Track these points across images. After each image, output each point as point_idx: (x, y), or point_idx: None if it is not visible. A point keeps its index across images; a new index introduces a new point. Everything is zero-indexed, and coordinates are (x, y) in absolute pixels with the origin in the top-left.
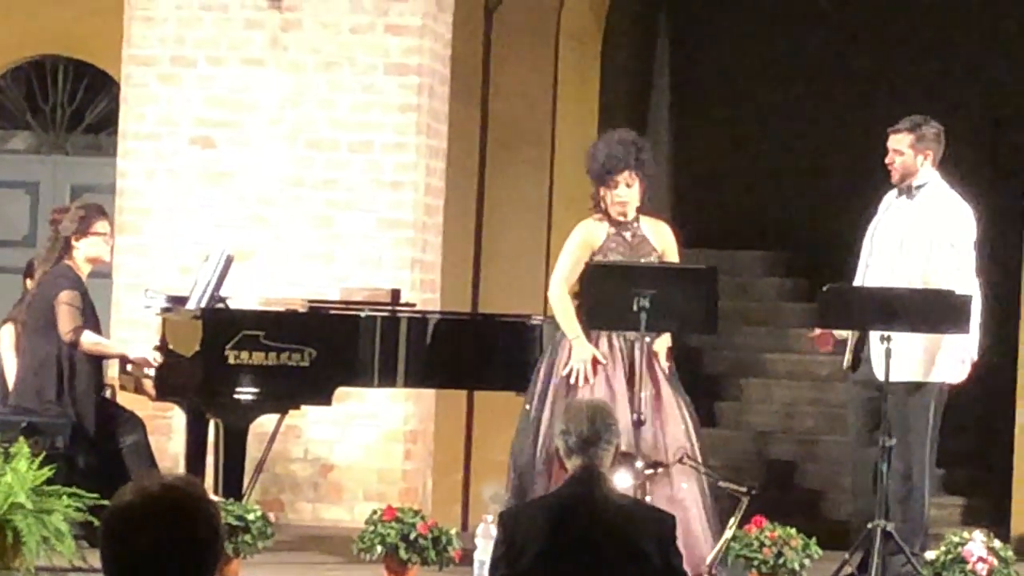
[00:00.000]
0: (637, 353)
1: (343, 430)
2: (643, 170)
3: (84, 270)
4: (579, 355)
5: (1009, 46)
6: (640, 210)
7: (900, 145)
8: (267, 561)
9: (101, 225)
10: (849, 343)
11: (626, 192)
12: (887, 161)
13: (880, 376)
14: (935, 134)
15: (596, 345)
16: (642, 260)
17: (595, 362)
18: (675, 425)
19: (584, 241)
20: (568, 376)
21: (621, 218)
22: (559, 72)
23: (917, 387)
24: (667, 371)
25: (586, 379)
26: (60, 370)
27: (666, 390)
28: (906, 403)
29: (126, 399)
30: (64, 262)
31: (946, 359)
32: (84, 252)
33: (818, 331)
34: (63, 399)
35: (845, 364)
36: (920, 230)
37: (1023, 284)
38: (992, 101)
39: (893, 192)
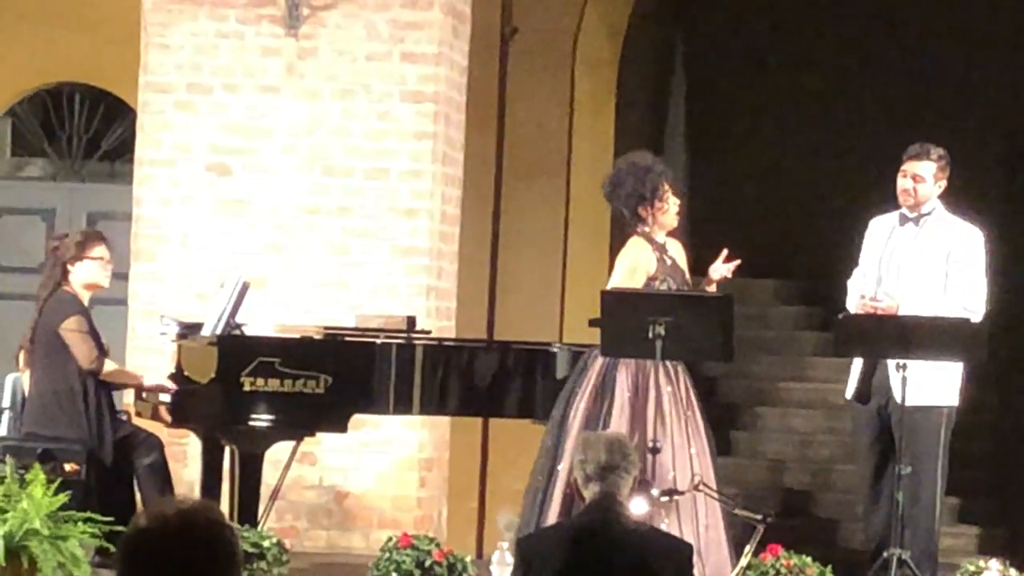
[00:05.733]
0: (679, 379)
1: (358, 457)
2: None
3: (83, 296)
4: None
5: None
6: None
7: (924, 172)
8: None
9: (98, 250)
10: (853, 372)
11: (677, 206)
12: (903, 188)
13: (899, 402)
14: (948, 162)
15: (645, 370)
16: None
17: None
18: (703, 453)
19: (639, 267)
20: (598, 400)
21: (659, 238)
22: (575, 100)
23: (928, 412)
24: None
25: None
26: (72, 396)
27: (700, 417)
28: (918, 428)
29: (142, 425)
30: (63, 288)
31: (951, 382)
32: (80, 277)
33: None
34: (77, 424)
35: (848, 394)
36: (935, 259)
37: None
38: (1009, 129)
39: (886, 219)
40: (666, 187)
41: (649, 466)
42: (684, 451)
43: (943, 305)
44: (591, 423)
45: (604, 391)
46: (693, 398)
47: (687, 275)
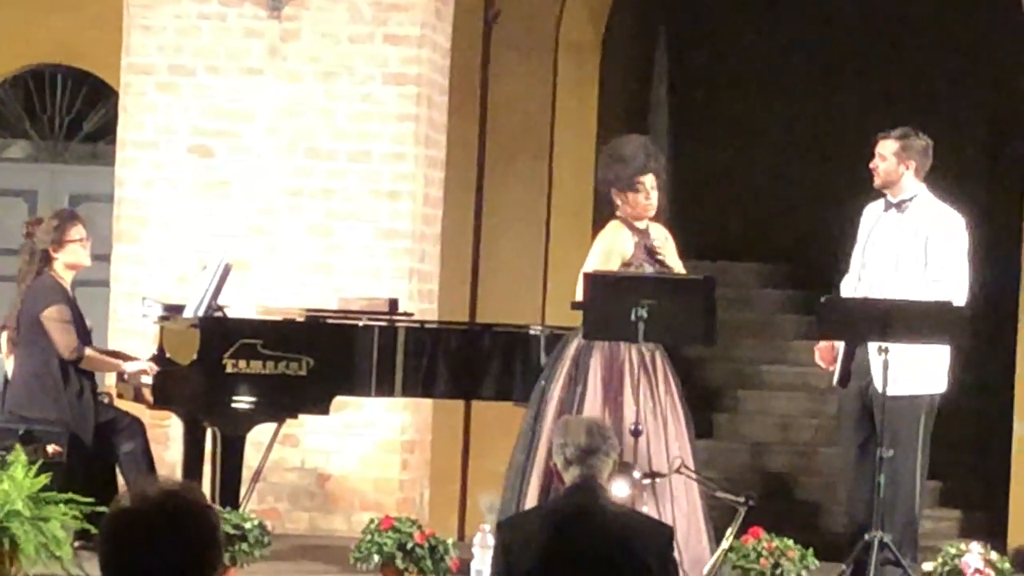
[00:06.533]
0: (655, 362)
1: (340, 440)
2: (663, 175)
3: (67, 277)
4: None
5: (1012, 59)
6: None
7: (885, 151)
8: (264, 570)
9: (75, 231)
10: (839, 357)
11: (655, 195)
12: (871, 165)
13: (878, 388)
14: (923, 147)
15: (618, 354)
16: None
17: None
18: (681, 436)
19: (614, 250)
20: (571, 385)
21: (640, 224)
22: (558, 83)
23: (909, 399)
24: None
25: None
26: (54, 379)
27: (679, 400)
28: (899, 414)
29: (124, 407)
30: (46, 273)
31: (934, 370)
32: (63, 261)
33: (822, 344)
34: (59, 406)
35: (835, 379)
36: (914, 245)
37: (1020, 297)
38: (993, 115)
39: (878, 204)
40: (641, 179)
41: (630, 449)
42: (660, 436)
43: (921, 289)
44: (566, 407)
45: (578, 375)
46: (672, 382)
47: (672, 260)
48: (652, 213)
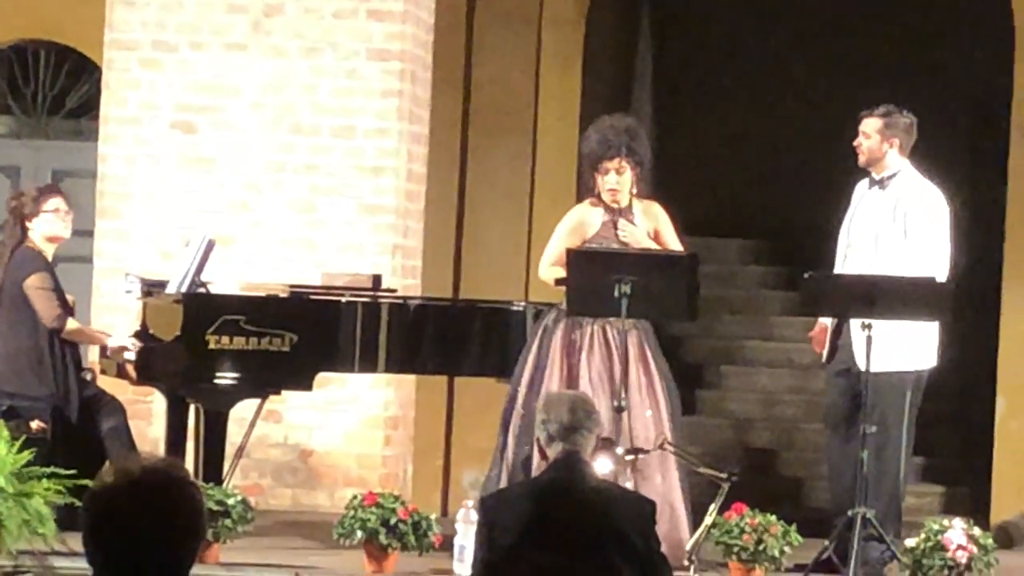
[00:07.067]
0: (629, 340)
1: (324, 416)
2: (634, 158)
3: (47, 250)
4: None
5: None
6: (641, 192)
7: (869, 129)
8: (247, 546)
9: (52, 202)
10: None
11: (615, 179)
12: (855, 143)
13: (861, 364)
14: (907, 124)
15: (587, 333)
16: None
17: (571, 348)
18: (660, 412)
19: (576, 226)
20: (537, 364)
21: (615, 205)
22: (541, 58)
23: (894, 376)
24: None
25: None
26: (39, 353)
27: (656, 378)
28: (883, 391)
29: (107, 383)
30: (25, 244)
31: (922, 346)
32: (40, 231)
33: (816, 328)
34: (44, 382)
35: (824, 357)
36: (894, 221)
37: (1003, 274)
38: (974, 92)
39: (865, 182)
40: (605, 164)
41: (614, 425)
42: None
43: (902, 265)
44: (535, 384)
45: (542, 352)
46: (650, 360)
47: (658, 234)
48: (614, 198)
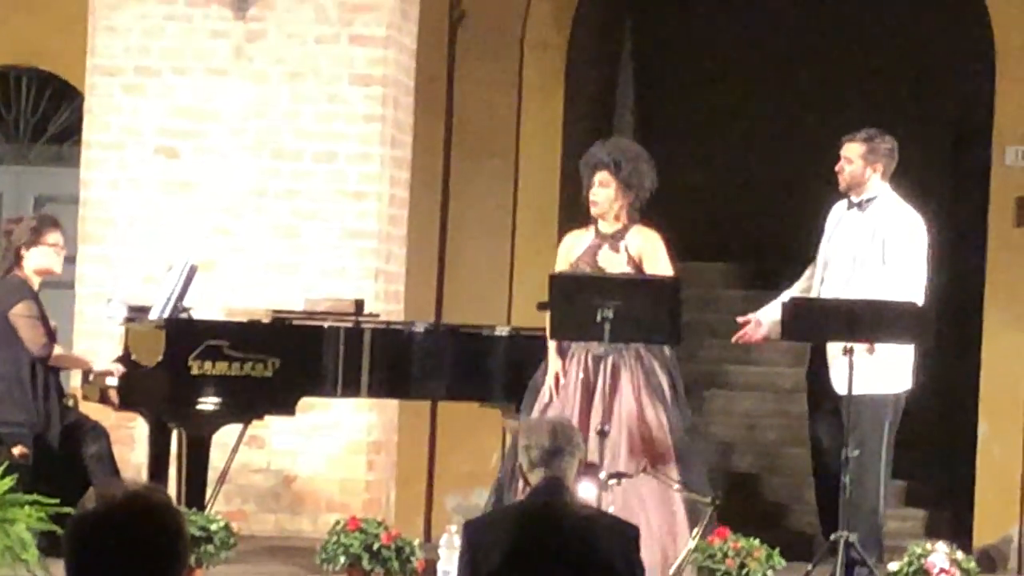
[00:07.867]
0: (611, 365)
1: (306, 440)
2: (620, 175)
3: (34, 281)
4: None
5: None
6: (633, 219)
7: (851, 154)
8: (229, 572)
9: (52, 236)
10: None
11: (596, 192)
12: (837, 168)
13: (841, 390)
14: (888, 149)
15: (571, 357)
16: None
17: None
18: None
19: (565, 253)
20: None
21: (602, 220)
22: (523, 83)
23: (875, 399)
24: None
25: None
26: (20, 380)
27: (646, 402)
28: (863, 414)
29: (90, 409)
30: (14, 273)
31: (900, 369)
32: (33, 263)
33: (747, 317)
34: (25, 408)
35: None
36: (873, 244)
37: (984, 297)
38: (956, 114)
39: (842, 204)
40: (591, 174)
41: (598, 449)
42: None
43: (878, 288)
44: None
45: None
46: (623, 384)
47: (641, 259)
48: (596, 212)
